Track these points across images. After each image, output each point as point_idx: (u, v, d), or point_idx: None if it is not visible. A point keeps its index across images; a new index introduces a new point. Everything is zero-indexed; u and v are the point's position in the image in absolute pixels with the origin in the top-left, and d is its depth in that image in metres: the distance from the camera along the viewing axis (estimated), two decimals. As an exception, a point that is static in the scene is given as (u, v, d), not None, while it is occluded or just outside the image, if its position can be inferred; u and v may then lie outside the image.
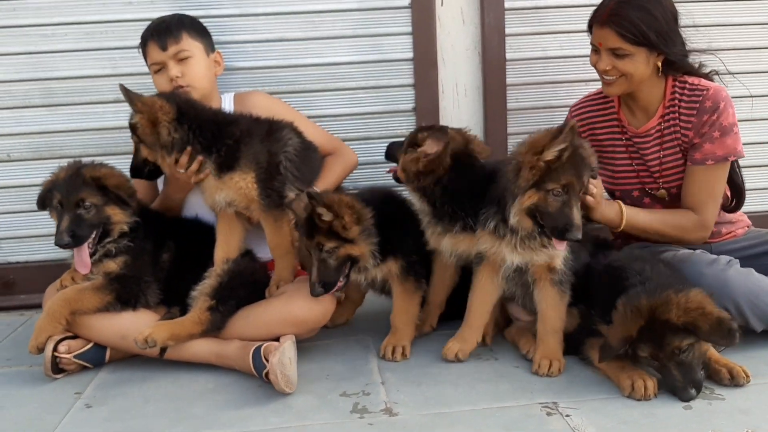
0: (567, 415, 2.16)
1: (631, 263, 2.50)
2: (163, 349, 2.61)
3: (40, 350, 2.60)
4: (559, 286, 2.51)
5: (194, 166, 2.69)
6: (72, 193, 2.66)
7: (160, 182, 3.06)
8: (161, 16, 3.05)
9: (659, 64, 2.71)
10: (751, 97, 3.47)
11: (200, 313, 2.62)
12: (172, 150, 2.68)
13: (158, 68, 2.94)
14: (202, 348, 2.64)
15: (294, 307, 2.65)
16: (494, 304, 2.64)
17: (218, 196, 2.74)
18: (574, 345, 2.55)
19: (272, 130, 2.84)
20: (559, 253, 2.46)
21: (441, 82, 3.64)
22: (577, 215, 2.30)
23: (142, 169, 2.80)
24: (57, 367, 2.65)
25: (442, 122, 3.62)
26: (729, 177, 2.82)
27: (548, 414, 2.18)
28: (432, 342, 2.78)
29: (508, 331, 2.80)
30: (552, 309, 2.51)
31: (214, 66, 3.07)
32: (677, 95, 2.76)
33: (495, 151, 3.52)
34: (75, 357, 2.67)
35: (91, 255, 2.69)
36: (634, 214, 2.75)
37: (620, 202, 2.77)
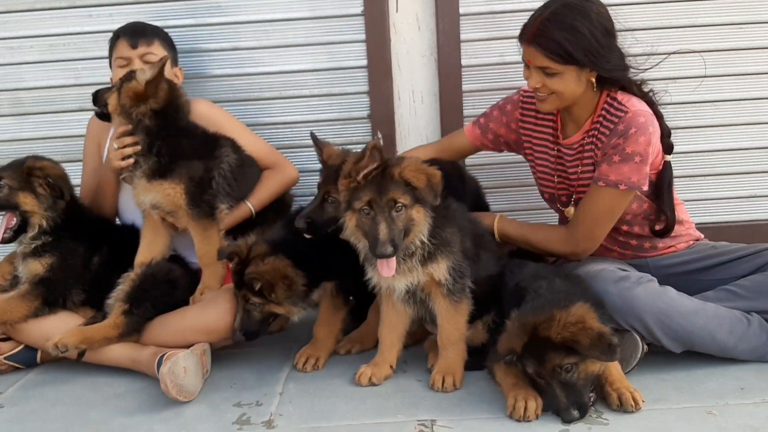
0: (438, 435, 2.14)
1: (533, 282, 2.44)
2: (81, 353, 2.70)
3: None
4: (451, 297, 2.47)
5: (127, 150, 2.80)
6: None
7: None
8: (138, 21, 3.20)
9: (593, 80, 2.59)
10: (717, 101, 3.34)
11: (116, 317, 2.71)
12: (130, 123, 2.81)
13: (124, 63, 3.04)
14: (120, 353, 2.72)
15: (208, 316, 2.70)
16: (405, 329, 2.60)
17: (145, 197, 2.84)
18: (482, 359, 2.51)
19: (213, 147, 2.92)
20: (437, 269, 2.43)
21: (397, 89, 3.62)
22: (383, 230, 2.27)
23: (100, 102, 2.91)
24: (-14, 369, 2.78)
25: (399, 130, 3.63)
26: (658, 206, 2.70)
27: (420, 432, 2.16)
28: (355, 357, 2.79)
29: (425, 343, 2.76)
30: (447, 321, 2.48)
31: (173, 78, 3.16)
32: (604, 112, 2.64)
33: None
34: (5, 358, 2.80)
35: (5, 241, 2.83)
36: (506, 225, 2.78)
37: (499, 215, 2.80)
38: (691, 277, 2.76)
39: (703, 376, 2.42)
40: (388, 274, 2.35)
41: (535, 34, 2.50)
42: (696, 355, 2.50)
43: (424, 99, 3.63)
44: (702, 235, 2.94)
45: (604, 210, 2.62)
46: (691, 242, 2.86)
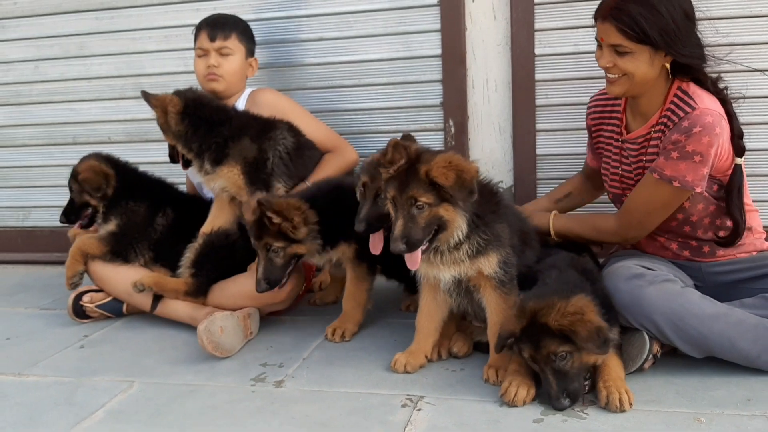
0: (418, 409, 2.25)
1: (546, 270, 2.47)
2: (153, 306, 3.11)
3: (73, 285, 3.25)
4: (501, 289, 2.47)
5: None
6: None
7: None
8: (222, 13, 3.53)
9: (667, 65, 2.49)
10: None
11: (185, 278, 3.09)
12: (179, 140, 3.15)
13: (202, 54, 3.40)
14: (183, 310, 3.10)
15: (253, 282, 2.98)
16: (443, 319, 2.64)
17: (214, 184, 3.17)
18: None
19: (268, 130, 3.18)
20: (487, 262, 2.44)
21: (471, 78, 3.68)
22: (398, 227, 2.28)
23: (173, 156, 3.28)
24: (84, 314, 3.28)
25: (472, 118, 3.70)
26: (727, 209, 2.57)
27: (403, 405, 2.28)
28: (388, 331, 2.95)
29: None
30: (496, 314, 2.46)
31: (248, 68, 3.48)
32: (673, 105, 2.52)
33: (524, 147, 3.55)
34: (97, 306, 3.28)
35: (85, 227, 3.36)
36: (559, 222, 2.76)
37: (553, 212, 2.78)
38: (741, 286, 2.62)
39: (715, 384, 2.31)
40: (412, 267, 2.37)
41: (613, 8, 2.43)
42: (724, 363, 2.39)
43: (498, 88, 3.66)
44: None
45: (656, 203, 2.55)
46: (754, 253, 2.68)
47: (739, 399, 2.21)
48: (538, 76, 3.56)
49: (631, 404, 2.14)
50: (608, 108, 2.84)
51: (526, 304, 2.22)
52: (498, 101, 3.67)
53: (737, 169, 2.56)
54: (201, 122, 3.11)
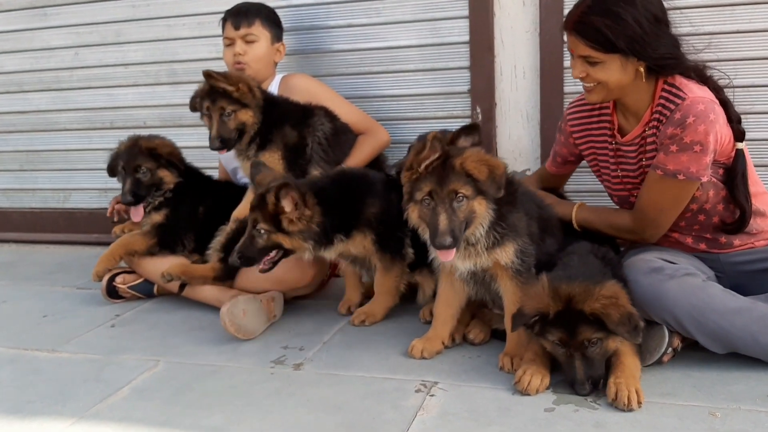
0: (432, 395, 2.28)
1: (565, 256, 2.47)
2: (182, 288, 3.20)
3: (99, 278, 3.35)
4: (519, 278, 2.47)
5: None
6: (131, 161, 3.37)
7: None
8: (246, 1, 3.56)
9: (641, 69, 2.47)
10: None
11: (213, 263, 3.17)
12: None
13: (228, 43, 3.45)
14: (210, 293, 3.18)
15: (278, 268, 3.02)
16: (460, 307, 2.65)
17: None
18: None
19: (307, 116, 3.23)
20: (504, 253, 2.45)
21: (499, 64, 3.66)
22: (443, 221, 2.27)
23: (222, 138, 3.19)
24: (117, 294, 3.39)
25: (500, 105, 3.68)
26: (732, 195, 2.53)
27: (416, 391, 2.32)
28: (414, 316, 2.98)
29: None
30: (513, 303, 2.45)
31: (275, 53, 3.53)
32: (663, 100, 2.50)
33: (551, 135, 3.52)
34: (129, 287, 3.38)
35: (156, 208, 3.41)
36: (582, 214, 2.74)
37: (579, 203, 2.76)
38: (764, 276, 2.57)
39: (734, 379, 2.28)
40: (446, 259, 2.37)
41: (576, 22, 2.43)
42: (746, 358, 2.36)
43: (526, 74, 3.63)
44: None
45: (666, 200, 2.51)
46: None
47: (758, 394, 2.18)
48: (566, 63, 3.51)
49: (640, 403, 2.11)
50: (595, 113, 2.79)
51: (560, 286, 2.19)
52: (526, 88, 3.64)
53: (739, 153, 2.52)
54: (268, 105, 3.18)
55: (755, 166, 2.65)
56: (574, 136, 2.86)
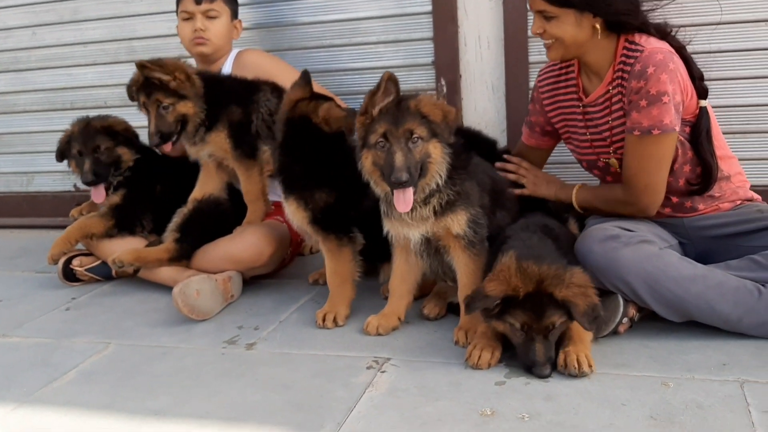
0: (383, 371, 2.23)
1: (520, 232, 2.40)
2: (136, 270, 3.13)
3: (55, 261, 3.27)
4: (471, 250, 2.42)
5: None
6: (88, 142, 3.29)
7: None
8: None
9: (597, 26, 2.41)
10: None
11: (168, 244, 3.09)
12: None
13: (187, 17, 3.33)
14: (167, 274, 3.10)
15: (234, 247, 2.99)
16: (416, 282, 2.59)
17: (202, 152, 3.15)
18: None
19: (249, 92, 3.14)
20: (455, 221, 2.40)
21: (463, 35, 3.58)
22: (399, 158, 2.22)
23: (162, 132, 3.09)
24: (74, 278, 3.32)
25: (465, 76, 3.61)
26: (697, 154, 2.47)
27: (368, 367, 2.26)
28: (375, 293, 2.88)
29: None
30: (467, 275, 2.42)
31: (233, 30, 3.43)
32: (624, 57, 2.45)
33: (517, 106, 3.46)
34: (86, 270, 3.31)
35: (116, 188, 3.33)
36: (581, 194, 2.68)
37: (579, 184, 2.69)
38: (729, 242, 2.52)
39: (692, 348, 2.24)
40: (404, 209, 2.29)
41: None
42: (706, 327, 2.31)
43: (491, 44, 3.55)
44: (757, 197, 2.65)
45: (651, 160, 2.44)
46: (738, 202, 2.58)
47: (713, 363, 2.13)
48: (531, 32, 3.42)
49: (590, 366, 2.08)
50: (562, 78, 2.75)
51: (528, 267, 2.10)
52: (490, 59, 3.57)
53: (703, 111, 2.47)
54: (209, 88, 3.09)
55: (723, 133, 2.60)
56: (544, 102, 2.81)
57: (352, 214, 2.68)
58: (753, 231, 2.48)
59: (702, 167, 2.49)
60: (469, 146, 2.52)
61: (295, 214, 2.68)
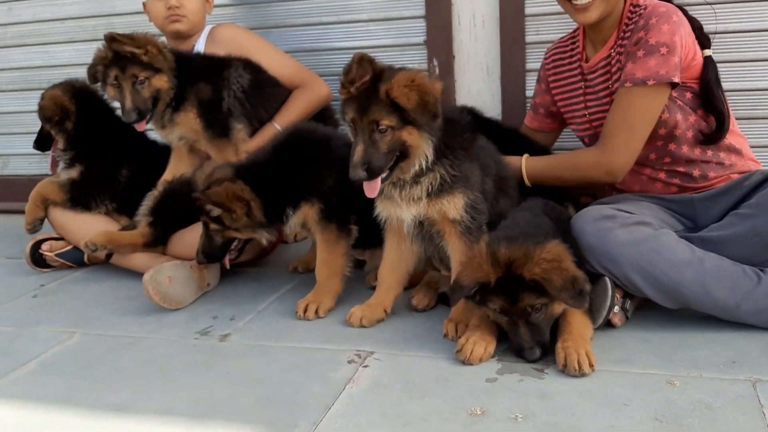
0: (365, 366, 2.06)
1: (513, 212, 2.24)
2: (109, 256, 2.95)
3: (32, 230, 3.12)
4: (468, 237, 2.24)
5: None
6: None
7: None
8: None
9: None
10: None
11: (142, 228, 2.92)
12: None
13: None
14: (141, 260, 2.93)
15: (208, 232, 2.80)
16: (407, 272, 2.42)
17: (172, 135, 2.98)
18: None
19: (219, 68, 2.96)
20: (452, 204, 2.22)
21: (457, 13, 3.41)
22: (357, 153, 2.06)
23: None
24: (44, 263, 3.14)
25: (458, 57, 3.43)
26: (706, 100, 2.37)
27: (349, 361, 2.09)
28: (361, 282, 2.73)
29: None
30: (460, 264, 2.22)
31: (205, 5, 3.25)
32: (626, 20, 2.39)
33: (513, 88, 3.29)
34: (57, 255, 3.13)
35: (55, 163, 3.21)
36: (533, 163, 2.49)
37: (526, 155, 2.53)
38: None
39: (697, 344, 2.07)
40: (370, 195, 2.16)
41: None
42: (711, 321, 2.16)
43: (486, 24, 3.38)
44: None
45: (637, 114, 2.31)
46: (746, 172, 2.44)
47: (722, 360, 1.97)
48: (528, 10, 3.29)
49: (592, 366, 1.91)
50: (567, 52, 2.69)
51: (498, 250, 1.97)
52: (485, 39, 3.40)
53: (708, 60, 2.39)
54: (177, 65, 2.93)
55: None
56: (549, 80, 2.73)
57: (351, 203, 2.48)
58: (748, 193, 2.34)
59: (715, 117, 2.38)
60: (476, 125, 2.35)
61: None
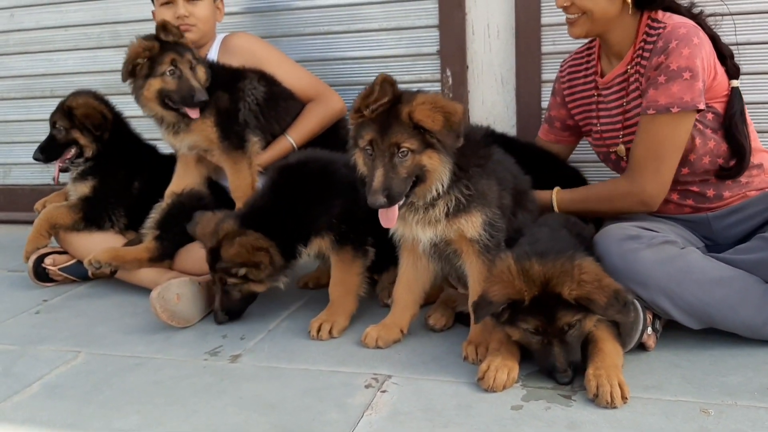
0: (383, 391, 1.98)
1: (533, 228, 2.17)
2: (114, 271, 2.87)
3: (29, 259, 3.02)
4: (486, 255, 2.16)
5: None
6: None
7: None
8: None
9: (629, 0, 2.26)
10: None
11: (148, 242, 2.84)
12: None
13: (166, 1, 3.07)
14: (147, 275, 2.85)
15: (219, 246, 2.72)
16: (423, 291, 2.35)
17: (182, 143, 2.90)
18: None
19: (234, 79, 2.89)
20: (469, 223, 2.14)
21: (471, 23, 3.33)
22: (378, 178, 1.98)
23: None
24: (47, 277, 3.05)
25: (472, 67, 3.36)
26: (728, 133, 2.27)
27: (366, 386, 2.01)
28: (375, 300, 2.64)
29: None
30: (479, 284, 2.15)
31: (216, 12, 3.18)
32: (645, 36, 2.29)
33: (528, 100, 3.23)
34: (60, 269, 3.05)
35: (63, 170, 3.07)
36: (564, 194, 2.45)
37: (557, 188, 2.47)
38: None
39: (729, 369, 1.99)
40: (387, 225, 2.09)
41: None
42: (741, 344, 2.08)
43: (501, 33, 3.31)
44: None
45: (663, 142, 2.23)
46: (766, 189, 2.36)
47: (756, 387, 1.89)
48: (544, 20, 3.21)
49: (625, 399, 1.82)
50: (583, 65, 2.60)
51: (530, 267, 1.89)
52: (500, 49, 3.32)
53: (735, 92, 2.30)
54: None
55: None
56: (565, 93, 2.64)
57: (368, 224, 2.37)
58: None
59: (735, 151, 2.29)
60: (491, 140, 2.27)
61: None
